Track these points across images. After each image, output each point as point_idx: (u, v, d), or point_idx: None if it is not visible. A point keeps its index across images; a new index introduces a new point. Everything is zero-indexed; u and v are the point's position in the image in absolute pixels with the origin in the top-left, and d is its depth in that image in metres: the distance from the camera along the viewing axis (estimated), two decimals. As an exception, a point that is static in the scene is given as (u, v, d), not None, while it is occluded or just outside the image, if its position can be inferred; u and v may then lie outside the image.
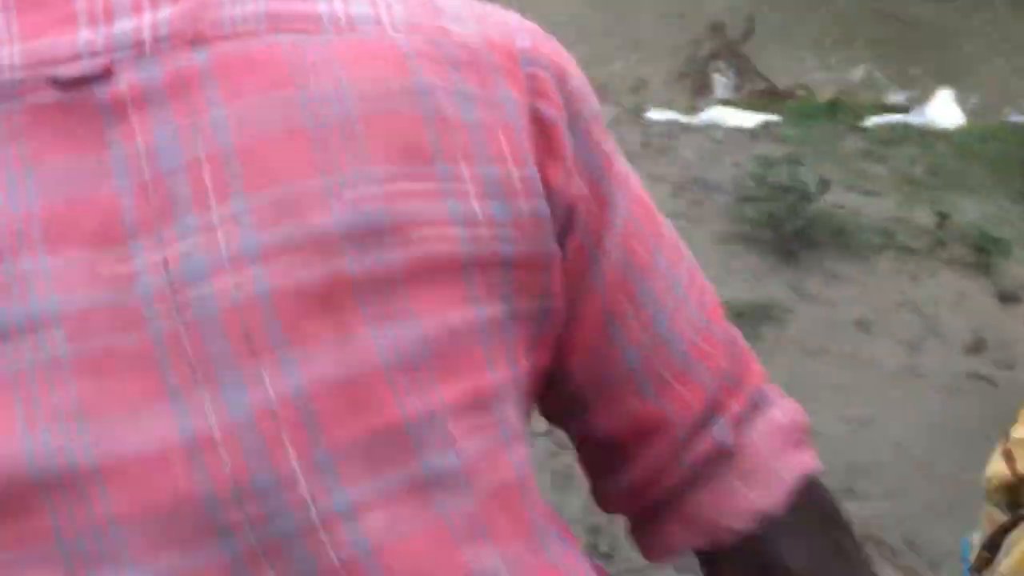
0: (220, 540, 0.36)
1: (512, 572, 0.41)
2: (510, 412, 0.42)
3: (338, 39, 0.41)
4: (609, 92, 3.90)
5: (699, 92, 4.26)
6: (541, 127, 0.43)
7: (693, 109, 3.70)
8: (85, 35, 0.38)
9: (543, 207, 0.43)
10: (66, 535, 0.35)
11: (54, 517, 0.35)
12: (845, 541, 0.52)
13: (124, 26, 0.38)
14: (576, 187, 0.44)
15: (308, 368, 0.37)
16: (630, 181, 0.48)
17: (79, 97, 0.37)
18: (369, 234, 0.38)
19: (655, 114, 3.44)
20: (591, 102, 0.46)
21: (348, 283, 0.38)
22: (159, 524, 0.35)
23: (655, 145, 3.02)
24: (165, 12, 0.38)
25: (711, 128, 3.20)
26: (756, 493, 0.49)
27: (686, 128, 3.25)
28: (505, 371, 0.42)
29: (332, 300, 0.38)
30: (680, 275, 0.49)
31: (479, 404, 0.41)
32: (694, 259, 0.51)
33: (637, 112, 3.26)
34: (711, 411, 0.49)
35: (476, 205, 0.41)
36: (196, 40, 0.39)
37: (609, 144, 0.47)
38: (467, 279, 0.40)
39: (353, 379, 0.38)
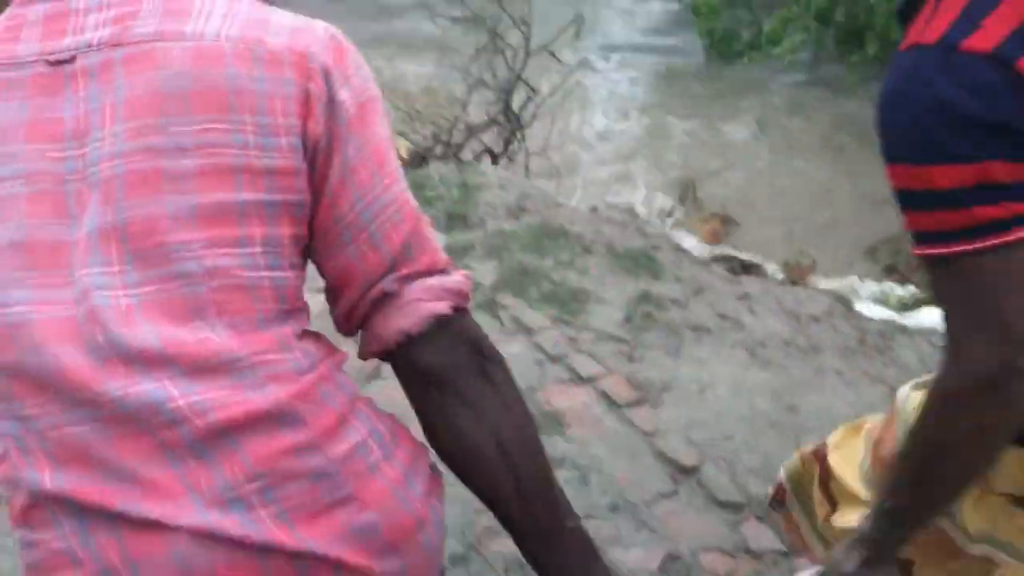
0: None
1: (230, 336, 0.75)
2: (258, 253, 0.77)
3: (192, 44, 0.77)
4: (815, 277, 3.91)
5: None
6: (307, 97, 0.78)
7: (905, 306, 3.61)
8: (67, 41, 0.78)
9: (296, 141, 0.78)
10: None
11: None
12: (489, 365, 0.85)
13: (86, 37, 0.78)
14: (319, 132, 0.79)
15: (129, 211, 0.75)
16: (374, 139, 0.82)
17: (56, 71, 0.78)
18: (179, 149, 0.75)
19: (869, 309, 3.38)
20: (349, 88, 0.81)
21: (162, 172, 0.75)
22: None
23: (870, 343, 2.98)
24: (107, 30, 0.78)
25: (929, 332, 3.09)
26: (404, 321, 0.82)
27: (902, 329, 3.16)
28: (258, 228, 0.77)
29: (151, 181, 0.75)
30: (387, 193, 0.82)
31: (226, 242, 0.76)
32: (408, 192, 0.85)
33: (847, 305, 3.20)
34: (387, 271, 0.83)
35: (250, 138, 0.76)
36: (116, 45, 0.77)
37: (361, 118, 0.81)
38: (235, 178, 0.76)
39: (151, 218, 0.75)
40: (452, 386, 0.84)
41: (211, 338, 0.75)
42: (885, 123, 0.89)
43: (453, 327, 0.84)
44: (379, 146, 0.83)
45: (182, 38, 0.78)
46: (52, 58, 0.78)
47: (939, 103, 0.83)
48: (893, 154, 0.89)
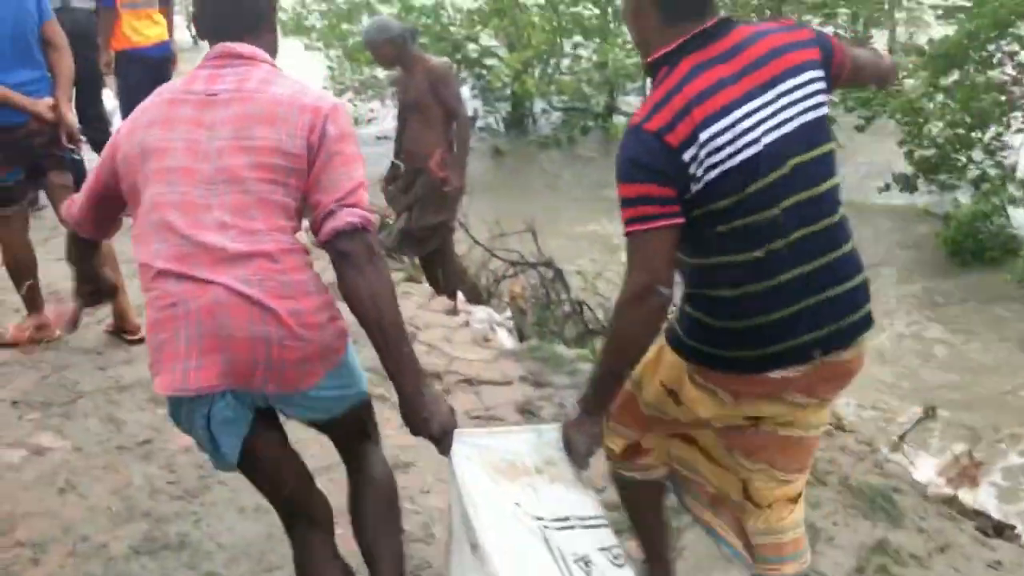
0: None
1: (261, 221, 1.74)
2: (279, 189, 1.75)
3: (267, 96, 1.78)
4: None
5: None
6: (312, 126, 1.75)
7: None
8: (215, 87, 1.81)
9: (303, 143, 1.75)
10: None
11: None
12: (374, 257, 1.74)
13: (223, 86, 1.81)
14: (314, 141, 1.76)
15: (228, 160, 1.75)
16: (345, 150, 1.78)
17: (209, 99, 1.80)
18: (251, 138, 1.75)
19: None
20: (335, 126, 1.78)
21: (242, 147, 1.75)
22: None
23: None
24: (232, 85, 1.80)
25: None
26: (335, 224, 1.71)
27: None
28: (281, 176, 1.75)
29: (238, 150, 1.75)
30: (345, 171, 1.76)
31: (266, 181, 1.74)
32: (360, 174, 1.79)
33: None
34: (334, 202, 1.72)
35: (284, 138, 1.75)
36: (236, 91, 1.80)
37: (340, 140, 1.78)
38: (275, 154, 1.75)
39: (235, 166, 1.75)
40: (352, 261, 1.72)
41: (254, 220, 1.73)
42: (617, 161, 1.74)
43: (358, 232, 1.73)
44: (347, 153, 1.79)
45: (264, 93, 1.80)
46: (207, 92, 1.82)
47: (631, 154, 1.72)
48: (617, 177, 1.74)
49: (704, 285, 1.81)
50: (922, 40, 10.63)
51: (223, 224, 1.70)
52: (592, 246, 7.62)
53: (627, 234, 1.73)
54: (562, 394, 3.36)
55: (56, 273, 4.61)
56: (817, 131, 1.76)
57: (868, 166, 9.82)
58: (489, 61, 12.41)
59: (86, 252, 2.24)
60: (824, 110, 1.77)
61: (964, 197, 8.49)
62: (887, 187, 9.00)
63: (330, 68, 12.16)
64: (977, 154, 8.59)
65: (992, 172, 8.37)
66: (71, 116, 3.49)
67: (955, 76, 8.45)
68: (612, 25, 11.43)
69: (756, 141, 1.69)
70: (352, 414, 1.98)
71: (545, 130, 12.35)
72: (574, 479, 1.92)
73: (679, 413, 1.92)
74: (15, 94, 3.37)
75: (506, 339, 4.76)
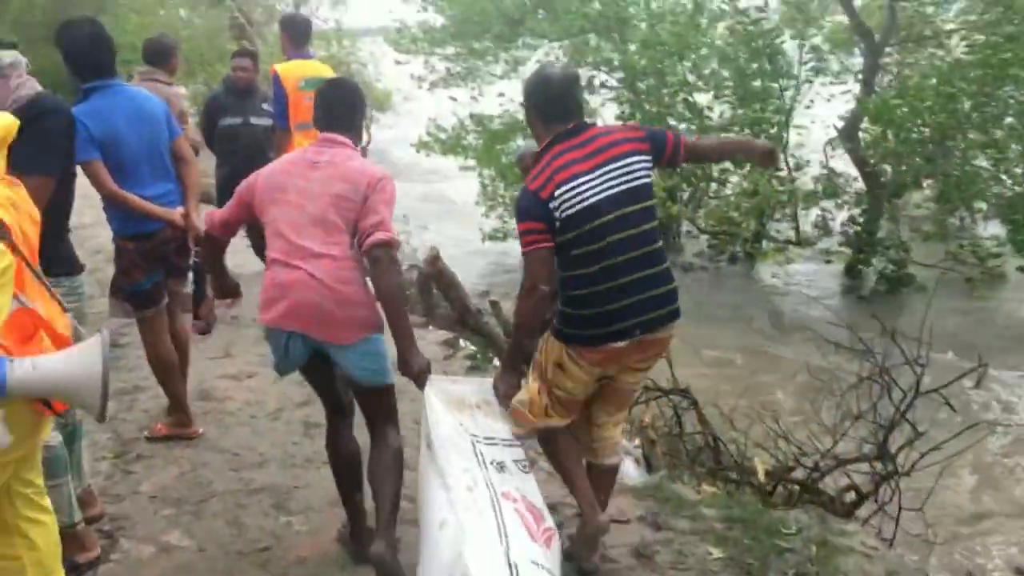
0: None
1: (334, 240, 2.91)
2: (348, 221, 2.92)
3: (346, 165, 2.98)
4: None
5: None
6: (368, 185, 2.92)
7: None
8: (318, 158, 3.03)
9: (361, 196, 2.92)
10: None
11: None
12: (392, 262, 2.86)
13: (323, 158, 3.02)
14: (366, 194, 2.91)
15: (317, 210, 2.93)
16: (382, 196, 2.93)
17: (313, 164, 3.00)
18: (334, 193, 2.92)
19: None
20: (378, 188, 2.92)
21: (330, 199, 2.92)
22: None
23: None
24: (328, 157, 3.01)
25: None
26: (370, 240, 2.83)
27: None
28: (349, 214, 2.92)
29: (323, 209, 2.92)
30: (378, 208, 2.89)
31: (342, 218, 2.92)
32: (389, 211, 2.93)
33: None
34: (371, 228, 2.85)
35: (351, 194, 2.92)
36: (330, 162, 2.99)
37: (379, 194, 2.92)
38: (346, 203, 2.91)
39: (323, 213, 2.92)
40: (379, 262, 2.82)
41: (328, 236, 2.89)
42: (515, 207, 2.94)
43: (383, 245, 2.81)
44: (381, 202, 2.90)
45: (345, 164, 2.97)
46: (313, 161, 3.00)
47: (523, 204, 2.86)
48: (515, 217, 2.91)
49: (568, 288, 2.87)
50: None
51: (311, 236, 2.89)
52: (729, 378, 7.38)
53: (523, 253, 2.86)
54: (681, 540, 3.20)
55: (206, 371, 4.90)
56: (639, 193, 2.84)
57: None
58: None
59: (218, 252, 3.33)
60: (646, 180, 2.87)
61: None
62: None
63: (483, 185, 12.64)
64: None
65: None
66: (198, 222, 3.80)
67: None
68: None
69: (592, 198, 2.78)
70: (379, 393, 3.05)
71: (691, 253, 12.27)
72: (500, 414, 3.03)
73: (567, 381, 2.95)
74: (153, 205, 3.78)
75: (632, 469, 4.62)
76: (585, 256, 2.77)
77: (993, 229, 11.35)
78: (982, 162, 10.20)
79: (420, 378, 2.90)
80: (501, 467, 2.83)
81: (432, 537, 2.67)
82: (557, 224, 2.76)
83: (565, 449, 3.07)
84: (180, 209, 3.87)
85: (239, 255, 7.24)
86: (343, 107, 3.08)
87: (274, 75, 5.78)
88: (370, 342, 2.93)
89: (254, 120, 6.41)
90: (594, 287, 2.78)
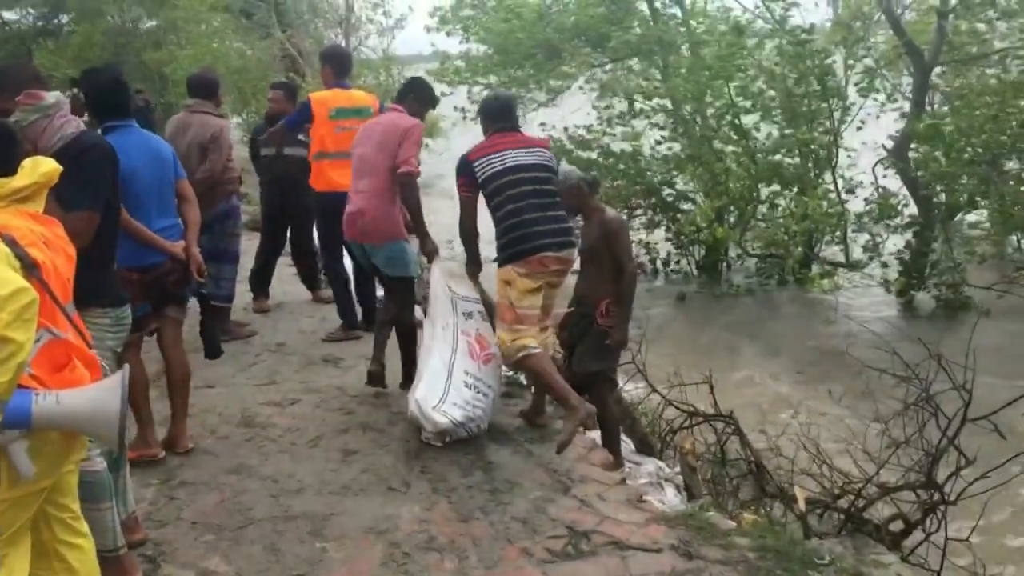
0: None
1: (376, 178, 4.84)
2: (390, 160, 4.80)
3: (395, 122, 4.86)
4: None
5: None
6: (404, 135, 4.80)
7: None
8: (379, 118, 5.37)
9: (398, 142, 4.79)
10: None
11: None
12: (413, 181, 4.79)
13: (383, 118, 5.14)
14: (401, 139, 4.80)
15: (366, 152, 4.90)
16: (412, 137, 4.82)
17: (375, 123, 5.09)
18: (381, 143, 4.81)
19: None
20: (411, 135, 4.81)
21: (378, 144, 4.82)
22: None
23: None
24: (384, 119, 5.08)
25: None
26: (398, 172, 4.79)
27: None
28: (393, 154, 4.81)
29: (372, 152, 4.85)
30: (407, 145, 4.78)
31: (385, 158, 4.82)
32: (416, 148, 4.86)
33: None
34: (402, 163, 4.78)
35: (391, 141, 4.79)
36: (387, 120, 5.01)
37: (408, 139, 4.81)
38: (390, 148, 4.79)
39: (368, 155, 4.86)
40: (406, 186, 4.74)
41: (377, 172, 4.79)
42: (457, 167, 4.54)
43: (408, 175, 4.70)
44: (409, 144, 4.72)
45: (394, 121, 4.86)
46: (375, 121, 5.12)
47: (461, 165, 4.54)
48: (456, 172, 4.53)
49: (502, 223, 4.31)
50: None
51: (366, 172, 4.76)
52: (774, 404, 7.28)
53: (459, 196, 4.43)
54: (712, 569, 3.18)
55: (250, 398, 5.01)
56: (543, 166, 4.41)
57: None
58: (685, 206, 12.51)
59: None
60: (548, 163, 4.47)
61: None
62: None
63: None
64: None
65: None
66: (198, 255, 4.18)
67: None
68: (812, 174, 11.22)
69: (512, 162, 4.34)
70: (401, 282, 4.99)
71: (739, 277, 12.15)
72: (473, 286, 4.67)
73: (515, 294, 4.26)
74: (159, 238, 4.05)
75: (672, 496, 4.60)
76: (504, 200, 4.28)
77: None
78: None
79: (430, 256, 4.76)
80: (469, 315, 4.56)
81: (422, 356, 4.54)
82: (479, 180, 4.34)
83: (542, 367, 4.23)
84: (181, 243, 4.12)
85: (286, 283, 7.42)
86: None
87: (306, 101, 5.93)
88: (395, 247, 4.86)
89: (287, 151, 6.57)
90: (517, 218, 4.24)
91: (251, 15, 18.50)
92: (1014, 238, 11.62)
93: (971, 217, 11.51)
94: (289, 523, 3.64)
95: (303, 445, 4.41)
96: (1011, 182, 10.10)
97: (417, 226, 4.78)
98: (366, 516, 3.65)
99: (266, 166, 6.78)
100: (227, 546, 3.49)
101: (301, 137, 6.34)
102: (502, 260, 4.32)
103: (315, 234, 6.76)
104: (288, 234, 6.94)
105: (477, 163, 4.37)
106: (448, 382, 4.36)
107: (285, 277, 7.43)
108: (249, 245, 6.91)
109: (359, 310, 6.17)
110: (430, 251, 4.76)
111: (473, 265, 4.63)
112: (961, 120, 9.34)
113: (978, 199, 10.55)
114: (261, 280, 6.99)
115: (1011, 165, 10.41)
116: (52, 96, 3.25)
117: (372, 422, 4.65)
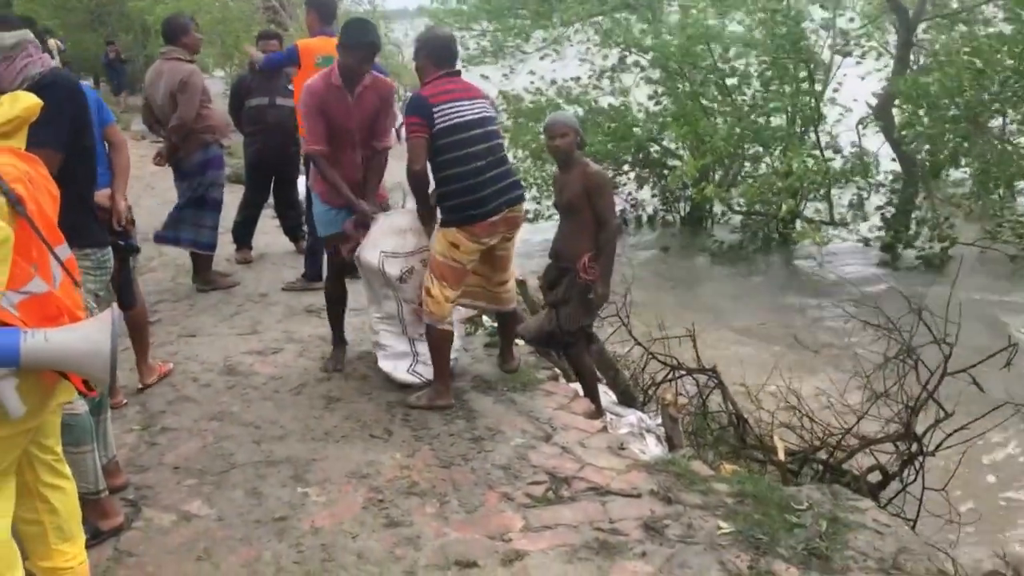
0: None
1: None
2: (384, 133, 4.61)
3: (373, 80, 4.45)
4: None
5: None
6: (390, 95, 4.64)
7: None
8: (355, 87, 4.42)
9: (390, 99, 4.66)
10: None
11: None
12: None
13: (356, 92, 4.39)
14: (383, 98, 4.59)
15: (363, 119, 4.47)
16: (390, 100, 4.62)
17: (348, 93, 4.36)
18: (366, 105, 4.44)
19: None
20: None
21: (374, 108, 4.46)
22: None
23: None
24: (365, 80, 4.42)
25: None
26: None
27: None
28: (385, 115, 4.59)
29: (371, 114, 4.47)
30: (387, 121, 4.67)
31: (374, 123, 4.54)
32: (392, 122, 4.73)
33: None
34: (381, 132, 4.61)
35: (379, 103, 4.51)
36: (370, 85, 4.43)
37: (389, 94, 4.61)
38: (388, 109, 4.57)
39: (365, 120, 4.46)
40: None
41: (375, 135, 4.53)
42: (408, 107, 4.08)
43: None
44: (390, 102, 4.54)
45: (376, 75, 4.47)
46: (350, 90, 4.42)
47: (414, 104, 4.02)
48: (406, 113, 4.05)
49: (452, 183, 4.02)
50: None
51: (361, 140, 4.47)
52: (757, 358, 7.32)
53: (407, 138, 3.99)
54: (691, 514, 3.21)
55: (232, 347, 4.99)
56: (490, 120, 4.13)
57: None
58: (672, 162, 12.47)
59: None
60: (492, 115, 4.21)
61: None
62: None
63: (515, 166, 12.63)
64: None
65: None
66: (123, 205, 3.91)
67: None
68: (799, 132, 11.20)
69: (465, 116, 4.00)
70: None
71: (724, 233, 12.16)
72: (414, 236, 4.37)
73: (462, 256, 4.07)
74: None
75: (653, 446, 4.62)
76: (461, 157, 3.97)
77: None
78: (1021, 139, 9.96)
79: (383, 206, 4.58)
80: (407, 276, 4.34)
81: (375, 329, 4.58)
82: (434, 128, 3.93)
83: (441, 344, 4.20)
84: (105, 191, 3.86)
85: (269, 235, 7.36)
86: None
87: (294, 46, 5.83)
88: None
89: (280, 100, 6.47)
90: (473, 179, 3.98)
91: (232, -36, 18.12)
92: (996, 195, 11.65)
93: (955, 174, 11.55)
94: (271, 468, 3.64)
95: (286, 393, 4.41)
96: (993, 140, 10.10)
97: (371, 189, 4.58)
98: (348, 462, 3.66)
99: (256, 115, 6.66)
100: (209, 490, 3.49)
101: (290, 87, 6.25)
102: (450, 220, 4.05)
103: (299, 185, 6.70)
104: (272, 186, 6.87)
105: (438, 109, 3.94)
106: (412, 346, 4.47)
107: (268, 228, 7.37)
108: (233, 198, 6.85)
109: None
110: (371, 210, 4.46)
111: (427, 214, 4.28)
112: (945, 78, 9.30)
113: (960, 157, 10.57)
114: (243, 231, 6.93)
115: (994, 123, 10.40)
116: (12, 36, 3.15)
117: (354, 371, 4.65)
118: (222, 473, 3.62)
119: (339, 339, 4.79)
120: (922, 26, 11.42)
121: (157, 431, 4.02)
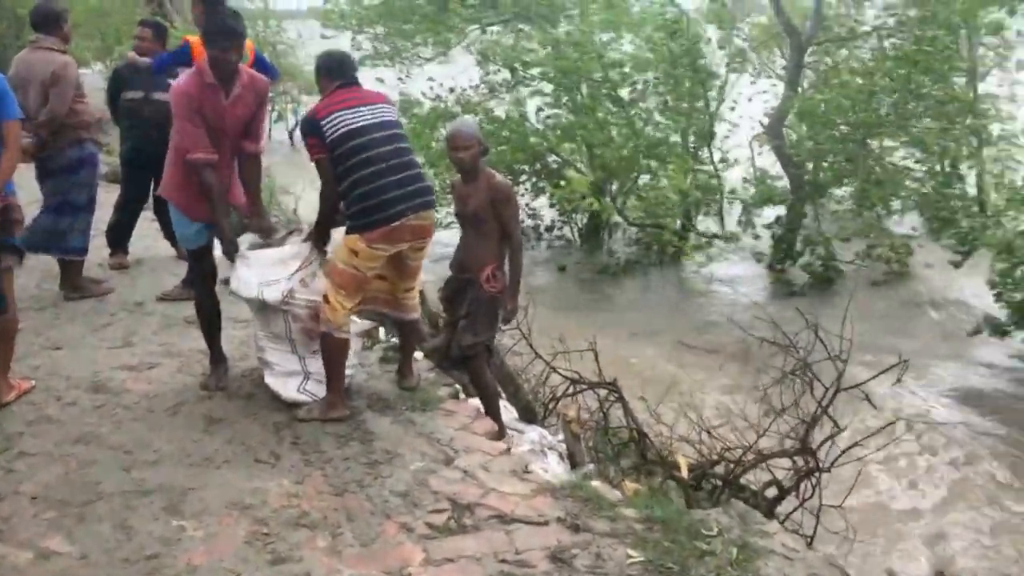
0: None
1: None
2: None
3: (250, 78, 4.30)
4: None
5: None
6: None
7: None
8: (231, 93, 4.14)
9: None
10: None
11: None
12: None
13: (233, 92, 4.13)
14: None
15: None
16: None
17: (223, 91, 4.09)
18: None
19: None
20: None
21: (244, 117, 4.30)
22: None
23: None
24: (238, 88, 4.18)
25: None
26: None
27: None
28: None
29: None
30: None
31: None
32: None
33: None
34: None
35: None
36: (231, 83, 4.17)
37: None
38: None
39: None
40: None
41: (246, 136, 4.28)
42: (301, 130, 4.28)
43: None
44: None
45: (252, 73, 4.32)
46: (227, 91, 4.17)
47: (307, 125, 4.00)
48: (302, 135, 4.16)
49: (354, 189, 3.85)
50: (1013, 178, 10.29)
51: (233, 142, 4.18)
52: (656, 374, 7.32)
53: (312, 160, 3.95)
54: (600, 542, 3.06)
55: (103, 361, 4.60)
56: (389, 123, 3.96)
57: (957, 306, 9.36)
58: (569, 172, 12.48)
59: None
60: (394, 119, 4.05)
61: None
62: (977, 330, 8.51)
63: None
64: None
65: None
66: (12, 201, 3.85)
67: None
68: (692, 148, 11.40)
69: (359, 122, 3.87)
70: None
71: (620, 245, 12.24)
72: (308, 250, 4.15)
73: (361, 263, 3.89)
74: None
75: (555, 463, 4.50)
76: (359, 163, 3.83)
77: (910, 223, 11.61)
78: (907, 161, 10.40)
79: (266, 229, 4.32)
80: (290, 297, 4.05)
81: (261, 348, 4.25)
82: (327, 140, 3.85)
83: (335, 356, 3.99)
84: None
85: (147, 238, 6.90)
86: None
87: (184, 43, 5.46)
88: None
89: (157, 95, 6.07)
90: (374, 183, 3.82)
91: (113, -48, 17.22)
92: (874, 215, 12.15)
93: (841, 192, 11.98)
94: (142, 498, 3.30)
95: (161, 413, 4.05)
96: (877, 160, 10.52)
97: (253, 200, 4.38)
98: (230, 490, 3.35)
99: (131, 110, 6.23)
100: (71, 524, 3.13)
101: (171, 80, 5.84)
102: (352, 227, 3.89)
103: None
104: (151, 185, 6.44)
105: (326, 121, 3.84)
106: (303, 364, 4.17)
107: (146, 231, 6.89)
108: (108, 197, 6.38)
109: None
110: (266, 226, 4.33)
111: (322, 234, 4.15)
112: (837, 96, 9.63)
113: (845, 177, 10.96)
114: (119, 234, 6.46)
115: (875, 144, 10.84)
116: None
117: (238, 389, 4.32)
118: (87, 504, 3.26)
119: (218, 355, 4.45)
120: (810, 49, 11.81)
121: (14, 456, 3.61)
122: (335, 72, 4.05)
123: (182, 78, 4.11)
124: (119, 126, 6.47)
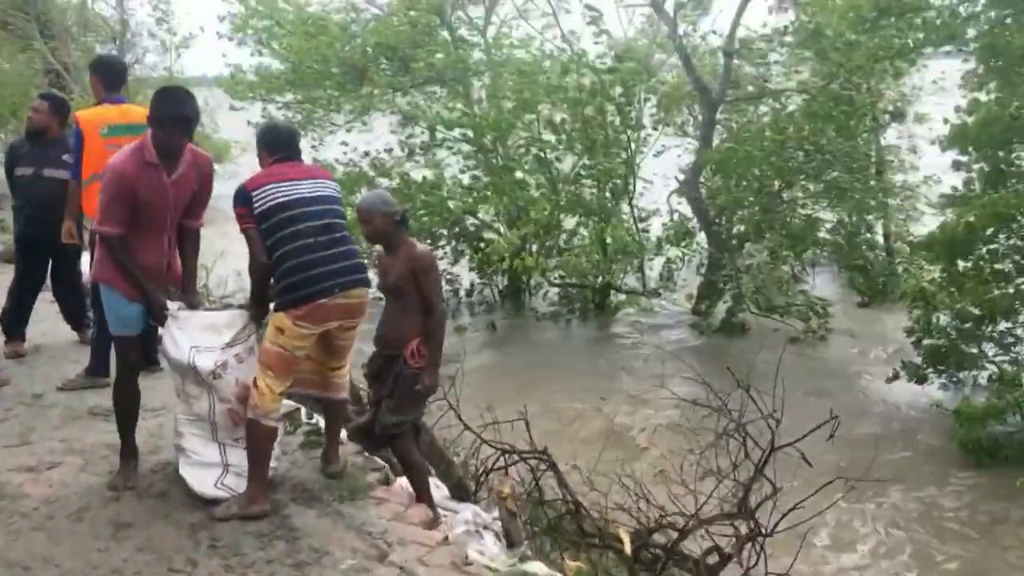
0: None
1: None
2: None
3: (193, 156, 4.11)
4: None
5: None
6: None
7: None
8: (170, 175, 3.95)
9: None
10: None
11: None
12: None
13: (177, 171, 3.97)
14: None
15: None
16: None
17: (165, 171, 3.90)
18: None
19: None
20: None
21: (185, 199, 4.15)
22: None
23: None
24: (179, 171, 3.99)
25: None
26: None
27: None
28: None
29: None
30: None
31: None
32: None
33: None
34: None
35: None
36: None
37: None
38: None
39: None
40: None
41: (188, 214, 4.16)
42: (235, 197, 3.86)
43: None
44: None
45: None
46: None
47: (239, 195, 3.83)
48: (233, 204, 3.85)
49: (281, 264, 3.72)
50: (917, 231, 10.70)
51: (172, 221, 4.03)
52: (587, 437, 7.21)
53: (240, 231, 3.82)
54: (549, 640, 2.88)
55: None
56: (325, 198, 3.87)
57: (875, 348, 9.56)
58: (488, 235, 12.45)
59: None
60: (333, 194, 3.95)
61: (979, 390, 8.19)
62: (895, 376, 8.68)
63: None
64: (990, 347, 8.34)
65: (1008, 368, 8.08)
66: None
67: (964, 266, 8.35)
68: (611, 204, 11.52)
69: (288, 196, 3.78)
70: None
71: (542, 305, 12.22)
72: (228, 327, 3.96)
73: (287, 342, 3.72)
74: None
75: (492, 544, 4.33)
76: (287, 236, 3.74)
77: (821, 282, 11.92)
78: (822, 212, 10.72)
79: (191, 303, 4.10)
80: (221, 370, 3.86)
81: (181, 433, 4.00)
82: (256, 211, 3.77)
83: (262, 445, 3.82)
84: None
85: (46, 323, 6.50)
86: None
87: (75, 123, 5.22)
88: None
89: (47, 172, 5.79)
90: (301, 258, 3.71)
91: (7, 24, 16.75)
92: (788, 268, 12.44)
93: (754, 247, 12.26)
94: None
95: (63, 519, 3.70)
96: (791, 212, 10.81)
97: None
98: (141, 607, 3.05)
99: (22, 187, 5.92)
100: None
101: (65, 157, 5.56)
102: (279, 304, 3.76)
103: (83, 264, 5.96)
104: (47, 266, 6.07)
105: (256, 193, 3.77)
106: (223, 454, 3.94)
107: (46, 315, 6.49)
108: (3, 279, 5.99)
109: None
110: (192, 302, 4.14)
111: (257, 307, 4.00)
112: (745, 148, 9.91)
113: (763, 229, 11.22)
114: (15, 320, 6.06)
115: (790, 195, 11.15)
116: None
117: (149, 486, 4.00)
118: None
119: (131, 449, 4.12)
120: (720, 107, 12.16)
121: None
122: (274, 146, 4.01)
123: (121, 154, 3.89)
124: (13, 204, 6.16)
